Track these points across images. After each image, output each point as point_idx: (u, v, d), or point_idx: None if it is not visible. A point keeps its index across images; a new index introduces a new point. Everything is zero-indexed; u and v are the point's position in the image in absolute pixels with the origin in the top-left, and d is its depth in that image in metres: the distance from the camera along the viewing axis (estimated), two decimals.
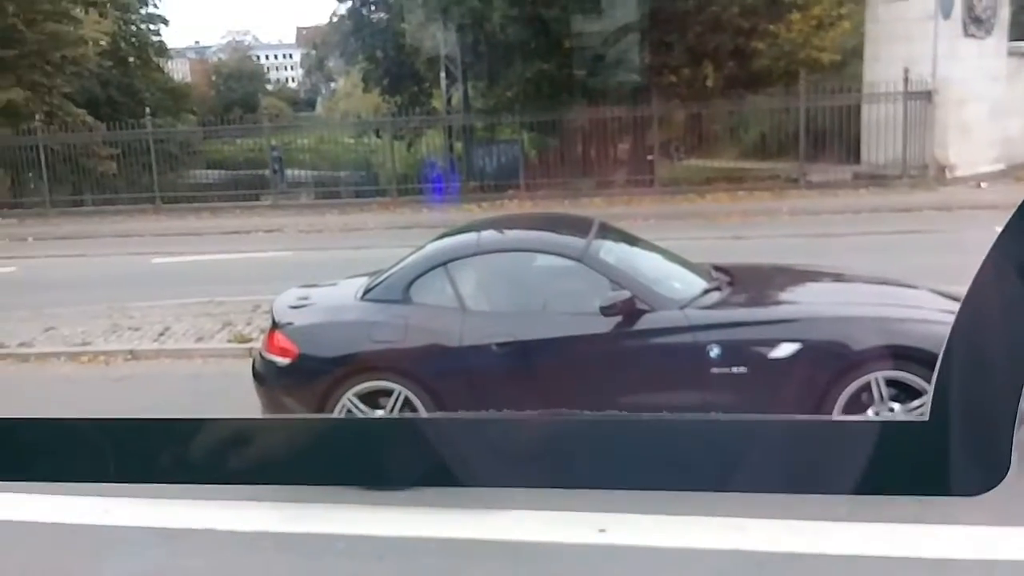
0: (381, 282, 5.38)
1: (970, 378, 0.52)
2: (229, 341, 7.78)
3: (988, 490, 0.54)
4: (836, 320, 4.88)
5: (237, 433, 0.62)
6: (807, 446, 0.56)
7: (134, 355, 7.65)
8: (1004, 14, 15.87)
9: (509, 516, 4.19)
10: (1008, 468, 0.53)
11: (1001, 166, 15.58)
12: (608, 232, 5.75)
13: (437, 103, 23.89)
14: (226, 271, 11.24)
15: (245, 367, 5.88)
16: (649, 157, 17.00)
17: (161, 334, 8.10)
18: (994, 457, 0.53)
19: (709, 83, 15.29)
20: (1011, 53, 16.07)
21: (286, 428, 0.66)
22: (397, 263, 5.51)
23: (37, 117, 18.82)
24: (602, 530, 4.05)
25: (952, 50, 14.92)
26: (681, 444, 0.57)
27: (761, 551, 3.93)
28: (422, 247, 5.64)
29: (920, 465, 0.54)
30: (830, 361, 4.68)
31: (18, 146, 18.14)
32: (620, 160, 18.82)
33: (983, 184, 14.80)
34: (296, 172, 22.01)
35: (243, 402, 5.57)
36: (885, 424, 0.56)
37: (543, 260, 5.44)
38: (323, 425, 0.73)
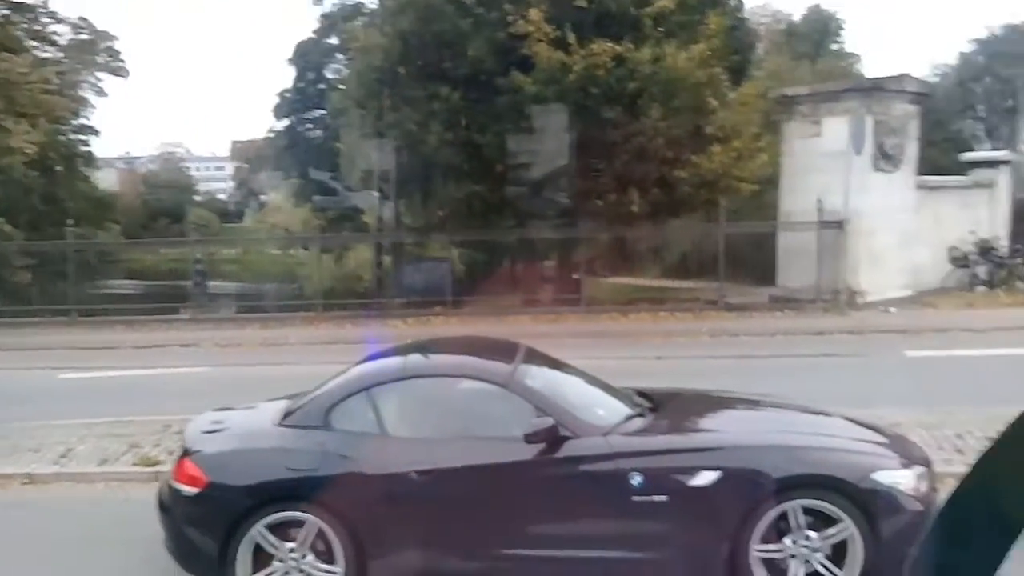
0: (301, 407, 5.23)
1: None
2: (135, 464, 7.41)
3: None
4: (755, 448, 4.91)
5: None
6: None
7: (32, 479, 7.23)
8: (911, 150, 16.92)
9: None
10: None
11: (909, 292, 16.27)
12: (534, 357, 5.74)
13: (368, 219, 24.12)
14: (137, 388, 10.85)
15: (150, 493, 5.61)
16: (575, 276, 17.30)
17: (63, 456, 7.69)
18: None
19: (635, 208, 15.76)
20: (918, 186, 17.04)
21: None
22: (318, 387, 5.39)
23: None
24: None
25: (863, 183, 15.76)
26: None
27: None
28: (345, 371, 5.55)
29: None
30: (749, 489, 4.69)
31: None
32: (547, 278, 19.12)
33: (892, 309, 15.41)
34: (220, 283, 21.78)
35: (145, 533, 5.28)
36: None
37: (468, 385, 5.39)
38: None
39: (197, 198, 56.18)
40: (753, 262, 17.02)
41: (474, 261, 19.28)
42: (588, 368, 5.98)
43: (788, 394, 6.35)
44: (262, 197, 53.55)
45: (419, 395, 5.34)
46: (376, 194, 20.55)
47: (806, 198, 16.11)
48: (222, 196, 67.31)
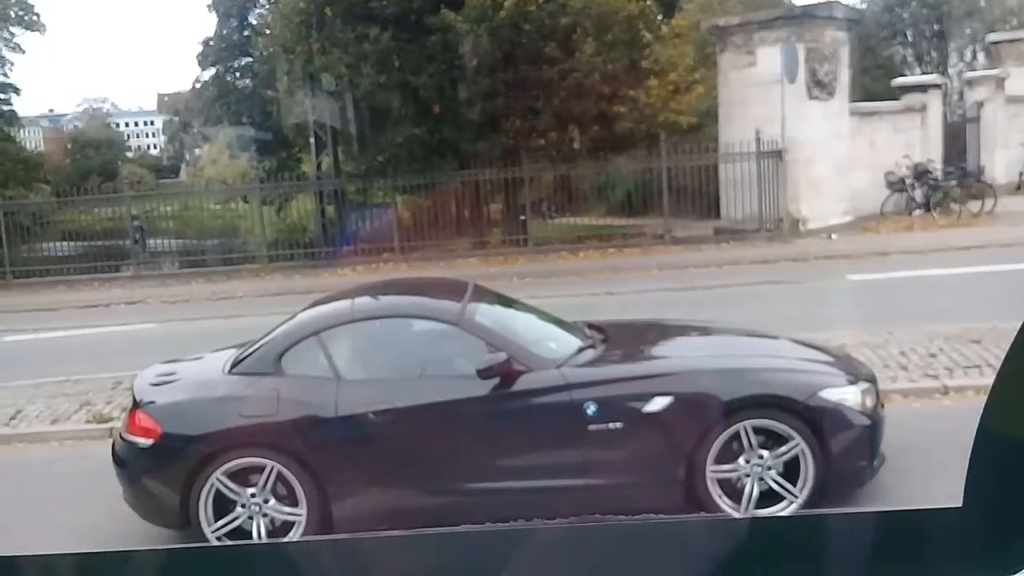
0: (250, 354, 5.20)
1: (1002, 460, 0.51)
2: (88, 422, 7.34)
3: None
4: (704, 372, 5.03)
5: None
6: (847, 542, 0.55)
7: None
8: (844, 77, 17.09)
9: None
10: None
11: (849, 218, 16.61)
12: (483, 295, 5.77)
13: (307, 168, 23.63)
14: (84, 347, 10.66)
15: (106, 449, 5.56)
16: (522, 217, 17.30)
17: (12, 418, 7.57)
18: None
19: (576, 146, 15.78)
20: (852, 113, 17.26)
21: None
22: (267, 334, 5.36)
23: None
24: None
25: (798, 112, 15.91)
26: (700, 548, 0.56)
27: None
28: (294, 316, 5.51)
29: (960, 548, 0.53)
30: (701, 412, 4.81)
31: None
32: (494, 220, 19.07)
33: (834, 236, 15.72)
34: (159, 241, 21.24)
35: (105, 489, 5.24)
36: (920, 513, 0.55)
37: (419, 325, 5.40)
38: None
39: (129, 154, 54.55)
40: (697, 196, 17.16)
41: (419, 206, 19.05)
42: (541, 306, 6.02)
43: (737, 321, 6.48)
44: (196, 150, 52.05)
45: (371, 337, 5.34)
46: (312, 141, 20.13)
47: (744, 129, 16.21)
48: (154, 151, 65.38)
